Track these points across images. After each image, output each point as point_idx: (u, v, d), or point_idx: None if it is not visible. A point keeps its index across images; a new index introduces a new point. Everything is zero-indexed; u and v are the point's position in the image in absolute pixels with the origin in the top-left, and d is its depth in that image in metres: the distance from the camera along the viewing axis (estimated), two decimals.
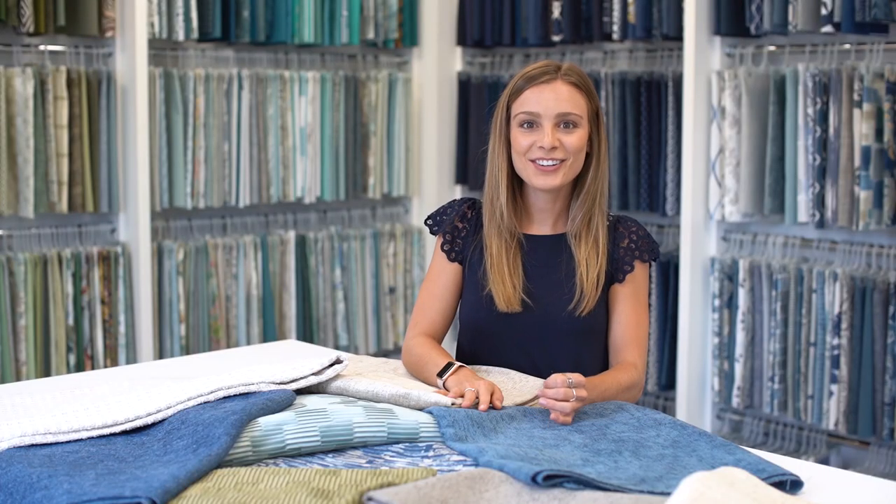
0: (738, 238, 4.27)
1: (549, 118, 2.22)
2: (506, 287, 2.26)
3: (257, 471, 1.68)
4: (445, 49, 5.17)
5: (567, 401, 1.94)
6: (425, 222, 2.43)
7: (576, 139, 2.22)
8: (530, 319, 2.28)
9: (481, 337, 2.34)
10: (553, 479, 1.64)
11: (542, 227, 2.34)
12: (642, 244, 2.32)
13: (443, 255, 2.37)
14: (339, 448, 1.86)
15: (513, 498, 1.60)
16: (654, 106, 4.44)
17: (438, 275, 2.37)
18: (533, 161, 2.23)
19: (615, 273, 2.30)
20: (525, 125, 2.24)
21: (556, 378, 1.96)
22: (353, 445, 1.87)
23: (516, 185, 2.33)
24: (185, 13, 4.35)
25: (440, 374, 2.16)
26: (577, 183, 2.31)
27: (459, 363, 2.18)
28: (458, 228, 2.37)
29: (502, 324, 2.29)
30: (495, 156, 2.30)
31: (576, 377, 1.97)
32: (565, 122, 2.22)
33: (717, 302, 4.24)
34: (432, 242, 5.30)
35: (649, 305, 4.46)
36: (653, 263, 2.38)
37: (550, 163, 2.22)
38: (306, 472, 1.67)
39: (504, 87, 5.32)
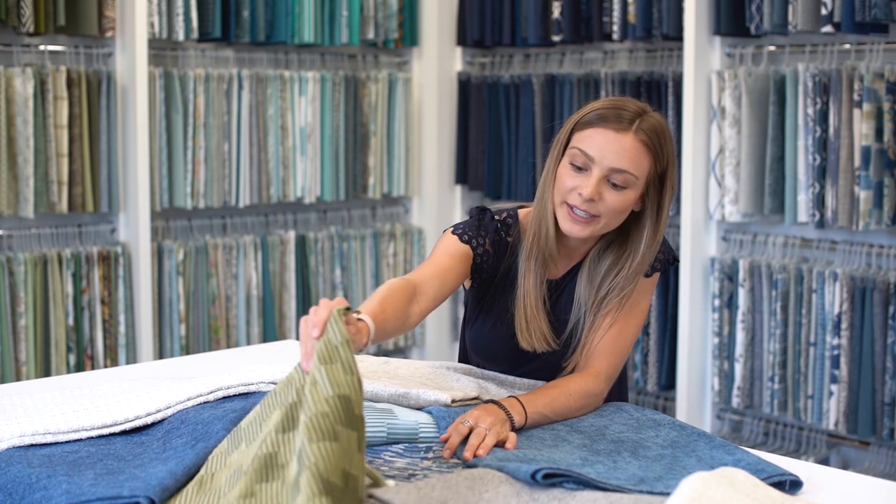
0: (738, 238, 4.27)
1: (601, 168, 2.02)
2: (532, 328, 2.12)
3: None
4: (445, 49, 5.17)
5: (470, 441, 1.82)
6: (456, 233, 2.17)
7: (619, 200, 2.04)
8: (549, 357, 2.19)
9: (498, 366, 2.25)
10: (552, 479, 1.64)
11: (569, 261, 2.20)
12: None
13: (465, 254, 2.16)
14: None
15: (512, 498, 1.60)
16: (654, 106, 4.43)
17: (451, 257, 2.13)
18: (569, 205, 2.06)
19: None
20: (576, 166, 2.05)
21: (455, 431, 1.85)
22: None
23: None
24: (185, 13, 4.35)
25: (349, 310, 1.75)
26: (618, 233, 2.14)
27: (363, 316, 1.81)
28: (489, 253, 2.18)
29: (520, 356, 2.20)
30: (547, 182, 2.11)
31: (471, 417, 1.87)
32: (615, 180, 2.02)
33: (717, 302, 4.24)
34: (432, 242, 5.32)
35: (649, 308, 4.46)
36: (659, 275, 2.24)
37: (584, 214, 2.04)
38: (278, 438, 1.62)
39: (504, 87, 5.31)
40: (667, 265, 2.23)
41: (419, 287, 2.02)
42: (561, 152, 2.10)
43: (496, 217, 2.22)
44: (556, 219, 2.10)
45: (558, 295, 2.20)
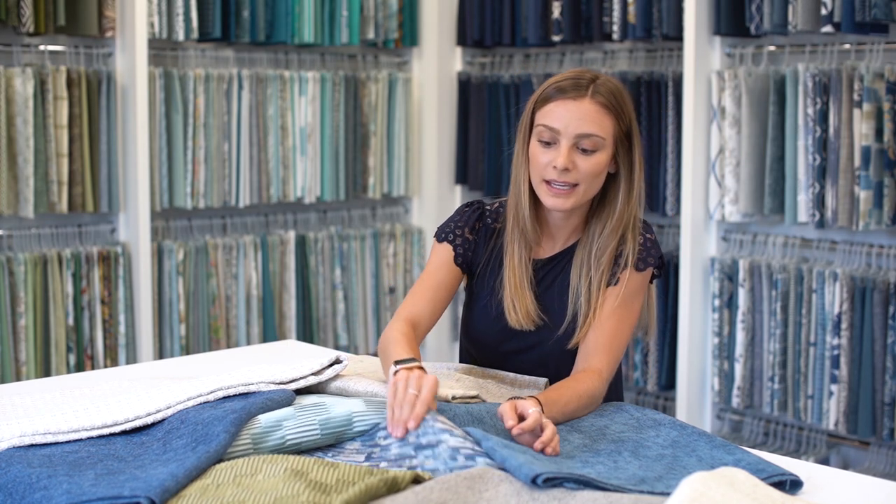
0: (738, 238, 4.27)
1: (568, 137, 2.09)
2: (518, 305, 2.18)
3: (255, 460, 1.68)
4: (445, 49, 5.17)
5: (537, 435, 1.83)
6: (436, 237, 2.30)
7: (592, 164, 2.11)
8: (540, 336, 2.21)
9: (488, 349, 2.28)
10: (553, 481, 1.64)
11: (555, 243, 2.25)
12: (643, 252, 2.21)
13: (447, 256, 2.26)
14: (339, 441, 1.86)
15: (512, 497, 1.60)
16: (654, 106, 4.44)
17: (438, 269, 2.26)
18: (547, 181, 2.13)
19: (610, 277, 2.21)
20: (544, 142, 2.12)
21: (524, 426, 1.83)
22: (352, 437, 1.87)
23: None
24: (185, 13, 4.35)
25: (396, 363, 1.96)
26: (600, 202, 2.21)
27: (420, 363, 1.96)
28: (469, 241, 2.27)
29: (512, 338, 2.23)
30: (519, 164, 2.19)
31: (528, 414, 1.84)
32: (584, 145, 2.10)
33: (717, 302, 4.24)
34: (432, 242, 5.30)
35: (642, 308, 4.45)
36: (654, 274, 2.26)
37: (563, 186, 2.11)
38: (305, 462, 1.66)
39: (504, 87, 5.30)
40: (658, 267, 2.24)
41: (416, 324, 2.18)
42: (527, 133, 2.19)
43: (487, 206, 2.30)
44: (532, 199, 2.19)
45: (551, 279, 2.24)
